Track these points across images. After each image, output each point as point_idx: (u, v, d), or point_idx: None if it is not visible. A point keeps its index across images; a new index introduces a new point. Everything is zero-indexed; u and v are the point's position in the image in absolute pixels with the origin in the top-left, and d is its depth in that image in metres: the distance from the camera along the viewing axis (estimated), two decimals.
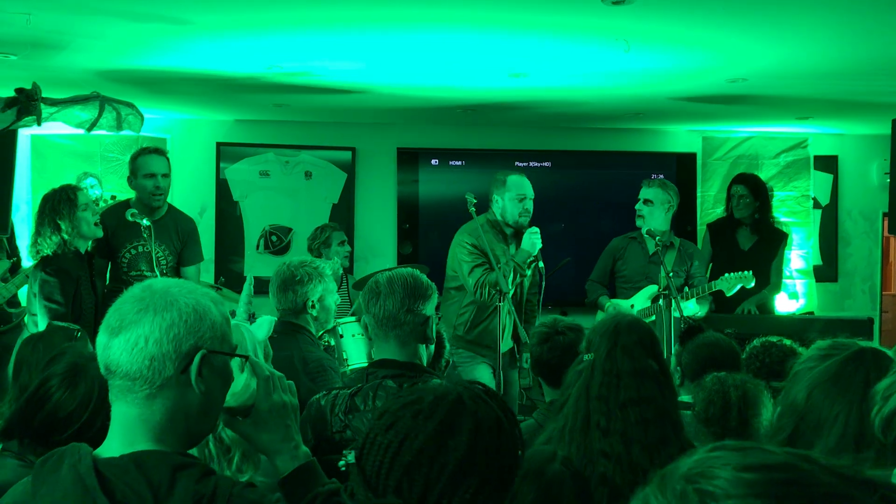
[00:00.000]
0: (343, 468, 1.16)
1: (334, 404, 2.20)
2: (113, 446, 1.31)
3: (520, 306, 4.38)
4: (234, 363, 1.43)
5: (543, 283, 4.34)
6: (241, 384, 1.49)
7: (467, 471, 1.10)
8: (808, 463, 0.69)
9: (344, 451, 1.19)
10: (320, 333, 3.41)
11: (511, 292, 4.09)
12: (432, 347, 2.37)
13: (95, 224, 3.97)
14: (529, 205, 4.31)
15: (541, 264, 4.23)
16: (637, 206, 4.77)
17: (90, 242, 3.99)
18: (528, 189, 4.35)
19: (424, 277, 2.35)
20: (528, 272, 4.27)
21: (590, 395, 2.11)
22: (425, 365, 2.32)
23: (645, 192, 4.77)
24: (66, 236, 3.84)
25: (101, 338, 1.32)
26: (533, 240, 4.19)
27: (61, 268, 3.82)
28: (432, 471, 1.09)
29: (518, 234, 4.32)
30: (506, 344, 4.16)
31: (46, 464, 1.28)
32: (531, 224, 4.31)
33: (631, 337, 2.15)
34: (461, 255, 4.24)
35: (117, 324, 1.30)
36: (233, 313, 3.82)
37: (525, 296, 4.45)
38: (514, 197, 4.30)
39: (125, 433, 1.31)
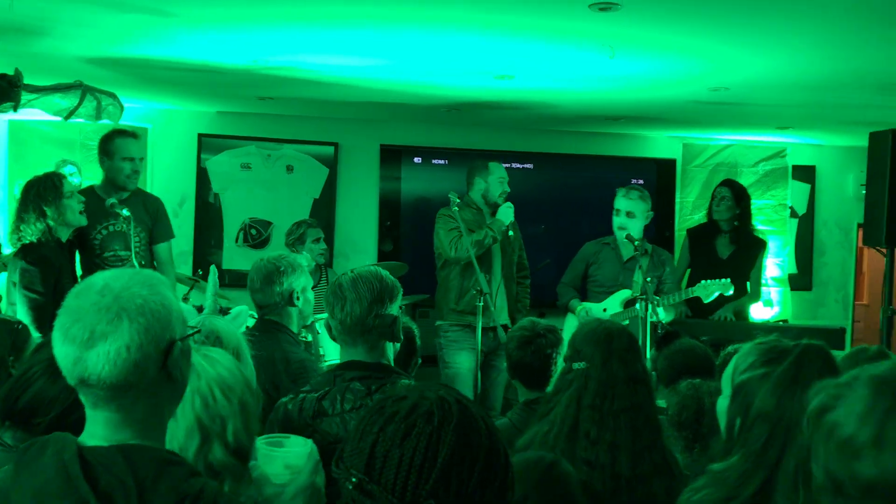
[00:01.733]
0: (351, 489, 1.15)
1: (301, 408, 2.16)
2: (97, 440, 1.29)
3: (510, 270, 4.74)
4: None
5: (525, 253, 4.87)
6: (302, 460, 1.54)
7: (492, 463, 1.15)
8: None
9: (349, 471, 1.18)
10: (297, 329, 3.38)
11: (489, 293, 4.25)
12: (398, 344, 2.33)
13: (80, 212, 3.90)
14: (507, 187, 4.77)
15: (511, 233, 4.63)
16: (620, 220, 4.75)
17: (71, 231, 3.93)
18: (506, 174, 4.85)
19: (388, 276, 2.28)
20: (500, 236, 4.59)
21: (581, 405, 2.12)
22: (392, 363, 2.30)
23: (627, 205, 4.75)
24: (51, 223, 3.76)
25: (69, 350, 1.26)
26: (507, 211, 4.63)
27: (43, 256, 3.74)
28: (463, 469, 1.13)
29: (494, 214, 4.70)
30: (502, 317, 4.49)
31: (29, 450, 1.27)
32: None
33: (622, 342, 2.17)
34: (438, 226, 4.64)
35: (87, 335, 1.25)
36: (200, 309, 3.74)
37: (514, 261, 4.78)
38: (497, 179, 4.73)
39: (110, 433, 1.30)
